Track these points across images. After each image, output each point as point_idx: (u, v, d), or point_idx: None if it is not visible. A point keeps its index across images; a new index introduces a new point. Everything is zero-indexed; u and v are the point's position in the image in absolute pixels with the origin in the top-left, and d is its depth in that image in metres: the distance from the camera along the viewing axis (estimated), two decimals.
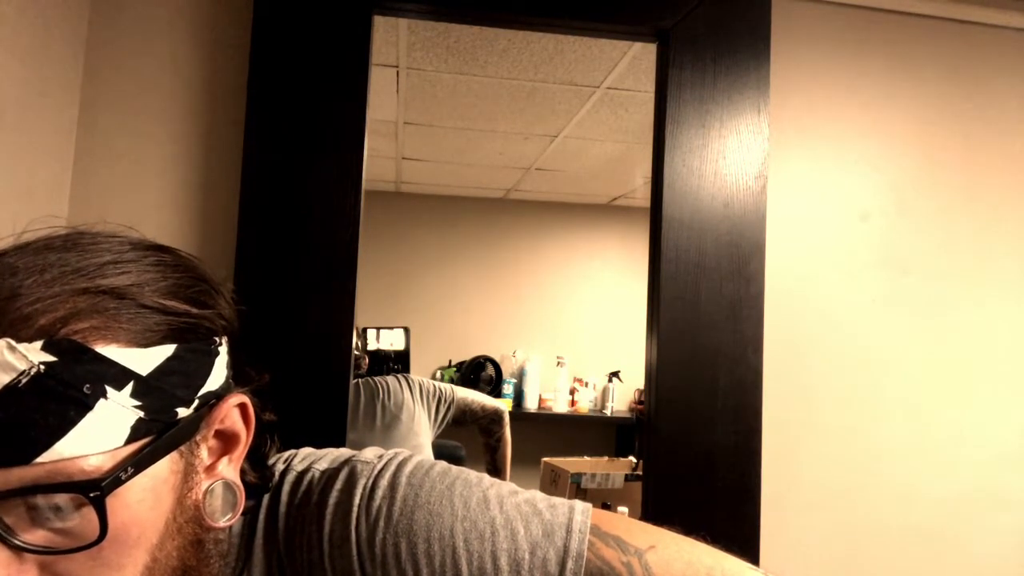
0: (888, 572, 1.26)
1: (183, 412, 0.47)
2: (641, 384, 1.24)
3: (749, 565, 0.53)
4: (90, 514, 0.41)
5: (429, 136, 2.96)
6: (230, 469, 0.52)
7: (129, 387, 0.43)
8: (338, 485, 0.53)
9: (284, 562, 0.54)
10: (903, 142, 1.33)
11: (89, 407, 0.42)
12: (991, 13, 1.35)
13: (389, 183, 3.87)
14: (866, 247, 1.30)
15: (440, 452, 1.87)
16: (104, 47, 1.11)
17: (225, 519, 0.51)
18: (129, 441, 0.43)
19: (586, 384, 4.00)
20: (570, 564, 0.50)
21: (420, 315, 3.43)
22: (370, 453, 0.57)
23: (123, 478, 0.43)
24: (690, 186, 1.18)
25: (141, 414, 0.44)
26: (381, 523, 0.51)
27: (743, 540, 1.14)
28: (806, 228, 1.28)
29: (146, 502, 0.45)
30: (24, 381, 0.40)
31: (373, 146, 1.14)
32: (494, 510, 0.52)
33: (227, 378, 0.52)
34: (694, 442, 1.15)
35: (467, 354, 3.95)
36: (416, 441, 1.73)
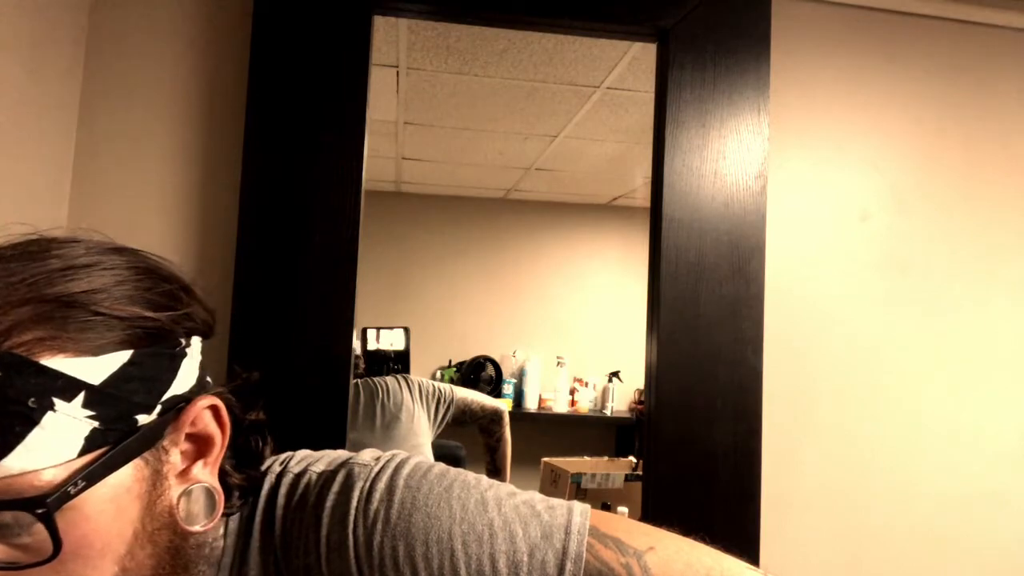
0: (888, 572, 1.26)
1: (144, 419, 0.46)
2: (641, 384, 1.24)
3: (748, 565, 0.53)
4: (43, 530, 0.40)
5: (429, 136, 2.96)
6: (206, 472, 0.51)
7: (80, 398, 0.42)
8: (335, 488, 0.53)
9: (281, 565, 0.54)
10: (903, 142, 1.33)
11: (35, 421, 0.40)
12: (991, 13, 1.35)
13: (389, 183, 3.87)
14: (866, 247, 1.30)
15: (440, 452, 1.88)
16: (104, 48, 1.11)
17: (202, 524, 0.50)
18: (84, 452, 0.42)
19: (586, 384, 4.00)
20: (569, 566, 0.50)
21: (420, 315, 3.44)
22: (367, 455, 0.56)
23: (72, 492, 0.41)
24: (690, 186, 1.18)
25: (96, 424, 0.43)
26: (379, 526, 0.50)
27: (743, 540, 1.14)
28: (806, 228, 1.28)
29: (107, 513, 0.44)
30: None
31: (373, 146, 1.14)
32: (492, 512, 0.51)
33: (198, 380, 0.51)
34: (694, 442, 1.15)
35: (467, 354, 3.95)
36: (416, 441, 1.73)
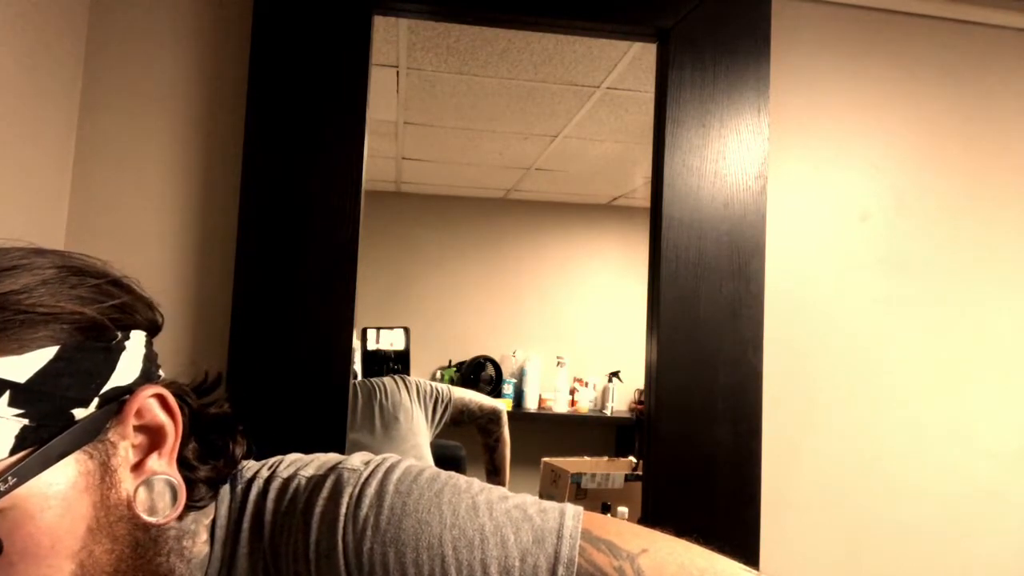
0: (889, 572, 1.26)
1: (81, 412, 0.45)
2: (641, 384, 1.24)
3: (743, 566, 0.53)
4: None
5: (429, 136, 2.96)
6: (163, 464, 0.51)
7: (6, 397, 0.42)
8: (324, 493, 0.52)
9: (271, 570, 0.53)
10: (903, 142, 1.33)
11: None
12: (991, 13, 1.35)
13: (389, 183, 3.87)
14: (866, 247, 1.30)
15: (440, 452, 1.88)
16: (103, 49, 1.11)
17: (164, 516, 0.50)
18: (15, 450, 0.42)
19: (586, 384, 4.00)
20: (561, 571, 0.49)
21: (420, 315, 3.44)
22: (357, 459, 0.55)
23: (3, 489, 0.41)
24: (690, 186, 1.18)
25: (26, 421, 0.42)
26: (368, 532, 0.50)
27: (743, 540, 1.14)
28: (806, 228, 1.28)
29: (53, 509, 0.43)
30: None
31: (373, 146, 1.14)
32: (483, 517, 0.51)
33: (142, 373, 0.51)
34: (694, 442, 1.15)
35: (467, 354, 3.95)
36: (414, 441, 1.73)
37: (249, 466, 0.59)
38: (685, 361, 1.16)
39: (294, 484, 0.55)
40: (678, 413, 1.15)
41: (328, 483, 0.53)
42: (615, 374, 3.98)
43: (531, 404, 3.30)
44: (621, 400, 4.03)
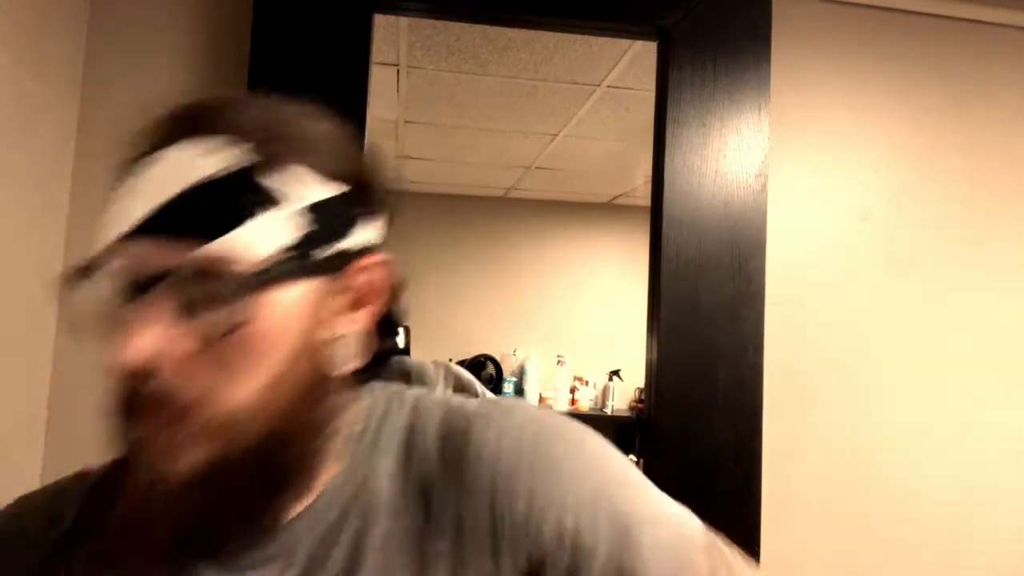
0: (889, 570, 1.27)
1: (331, 250, 0.50)
2: (641, 383, 1.24)
3: None
4: (232, 307, 0.46)
5: (429, 135, 2.96)
6: (360, 323, 0.54)
7: (299, 208, 0.48)
8: (489, 443, 0.53)
9: (407, 473, 0.54)
10: (904, 140, 1.33)
11: (253, 214, 0.46)
12: (992, 12, 1.35)
13: None
14: (866, 245, 1.30)
15: None
16: (104, 47, 1.11)
17: (344, 368, 0.53)
18: (282, 254, 0.47)
19: (586, 383, 4.01)
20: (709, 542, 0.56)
21: (420, 314, 3.44)
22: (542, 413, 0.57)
23: (265, 280, 0.46)
24: (691, 185, 1.18)
25: (299, 235, 0.48)
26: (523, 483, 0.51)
27: (743, 538, 1.14)
28: (806, 227, 1.28)
29: (280, 318, 0.48)
30: (219, 178, 0.46)
31: (373, 145, 1.14)
32: (641, 495, 0.55)
33: (377, 238, 0.55)
34: (694, 441, 1.15)
35: (467, 353, 3.95)
36: None
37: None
38: (685, 360, 1.16)
39: (459, 418, 0.55)
40: (678, 412, 1.15)
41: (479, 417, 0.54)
42: (615, 373, 3.98)
43: (532, 403, 3.29)
44: (621, 399, 4.03)
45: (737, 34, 1.21)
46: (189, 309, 0.45)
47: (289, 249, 0.48)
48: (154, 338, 0.45)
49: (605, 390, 3.99)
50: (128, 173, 0.50)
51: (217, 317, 0.46)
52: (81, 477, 0.58)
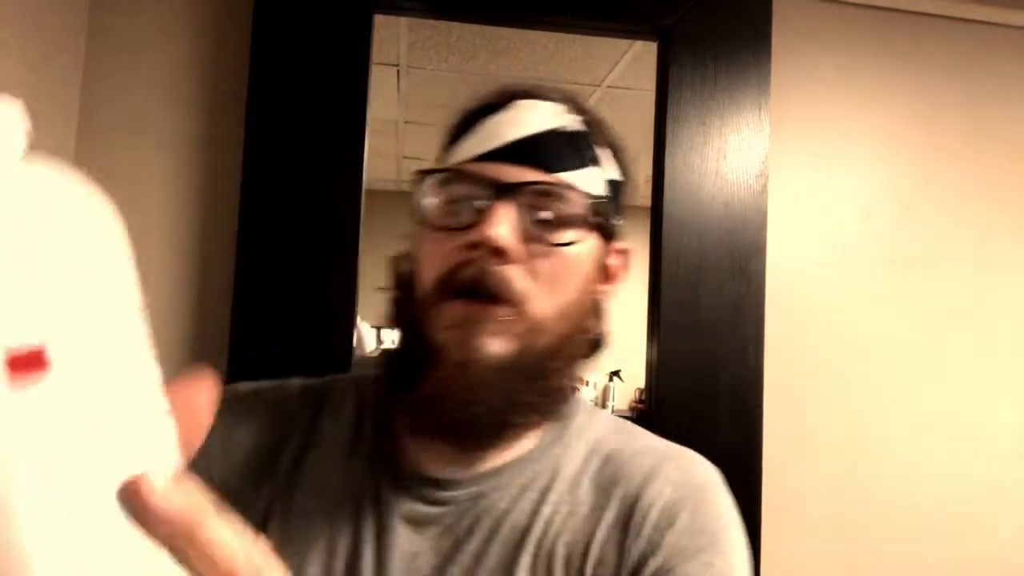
0: (891, 569, 1.26)
1: (614, 221, 0.61)
2: (642, 383, 1.24)
3: None
4: (568, 226, 0.56)
5: (429, 135, 2.96)
6: (606, 296, 0.64)
7: (607, 177, 0.61)
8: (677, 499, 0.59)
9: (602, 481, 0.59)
10: (905, 140, 1.33)
11: (595, 166, 0.59)
12: (993, 11, 1.35)
13: (389, 182, 3.86)
14: (868, 246, 1.30)
15: None
16: (104, 46, 1.11)
17: (596, 327, 0.63)
18: (601, 202, 0.59)
19: (586, 383, 4.00)
20: None
21: None
22: (712, 474, 0.65)
23: (595, 213, 0.58)
24: (691, 185, 1.18)
25: (604, 197, 0.60)
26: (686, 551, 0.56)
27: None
28: (807, 227, 1.28)
29: (584, 254, 0.58)
30: (567, 130, 0.59)
31: (373, 145, 1.14)
32: None
33: (621, 227, 0.64)
34: (694, 441, 1.14)
35: None
36: None
37: None
38: (685, 360, 1.16)
39: (639, 447, 0.63)
40: (678, 412, 1.15)
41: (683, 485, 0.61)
42: (616, 373, 3.97)
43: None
44: (622, 399, 4.02)
45: (737, 33, 1.20)
46: (534, 219, 0.55)
47: (604, 201, 0.59)
48: (509, 229, 0.54)
49: (605, 390, 3.99)
50: (486, 114, 0.59)
51: (554, 231, 0.56)
52: (332, 380, 0.68)
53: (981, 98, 1.36)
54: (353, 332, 1.08)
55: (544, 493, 0.57)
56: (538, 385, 0.57)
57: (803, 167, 1.29)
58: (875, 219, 1.31)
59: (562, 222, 0.56)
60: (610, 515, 0.56)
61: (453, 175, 0.58)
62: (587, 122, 0.61)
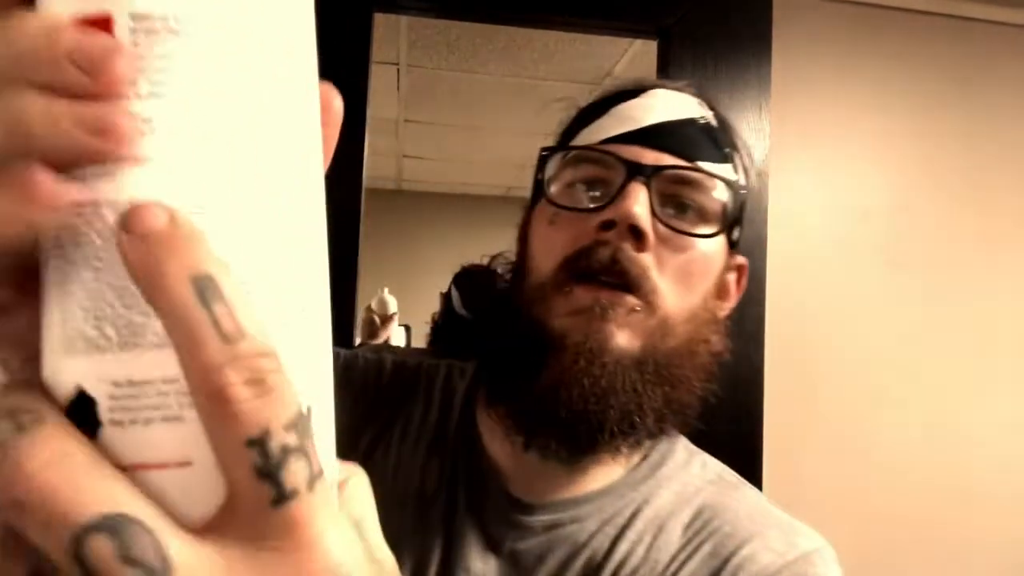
0: (892, 568, 1.27)
1: (738, 228, 0.57)
2: None
3: None
4: (707, 220, 0.52)
5: (430, 133, 2.96)
6: (722, 312, 0.57)
7: (736, 179, 0.56)
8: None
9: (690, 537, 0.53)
10: (904, 140, 1.33)
11: (729, 163, 0.55)
12: (992, 10, 1.35)
13: (389, 181, 3.87)
14: (868, 244, 1.30)
15: None
16: None
17: (715, 344, 0.57)
18: (734, 203, 0.54)
19: None
20: None
21: (421, 313, 3.42)
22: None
23: (731, 212, 0.53)
24: None
25: (743, 189, 0.56)
26: None
27: None
28: (807, 225, 1.28)
29: (714, 256, 0.53)
30: (705, 122, 0.55)
31: (373, 144, 1.14)
32: None
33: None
34: (695, 440, 1.15)
35: None
36: None
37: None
38: None
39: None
40: None
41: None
42: None
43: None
44: None
45: (738, 33, 1.20)
46: (669, 207, 0.51)
47: (744, 197, 0.55)
48: (645, 211, 0.49)
49: None
50: (621, 99, 0.55)
51: (691, 222, 0.51)
52: (435, 364, 0.63)
53: (980, 97, 1.36)
54: (354, 330, 1.08)
55: (623, 530, 0.53)
56: (665, 392, 0.52)
57: (803, 167, 1.29)
58: (874, 217, 1.31)
59: (700, 214, 0.52)
60: (691, 568, 0.50)
61: (584, 154, 0.53)
62: (720, 119, 0.57)
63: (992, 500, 1.31)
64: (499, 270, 0.61)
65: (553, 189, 0.54)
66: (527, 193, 0.62)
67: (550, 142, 0.59)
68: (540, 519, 0.52)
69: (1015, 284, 1.35)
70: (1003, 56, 1.37)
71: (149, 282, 0.16)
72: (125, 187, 0.17)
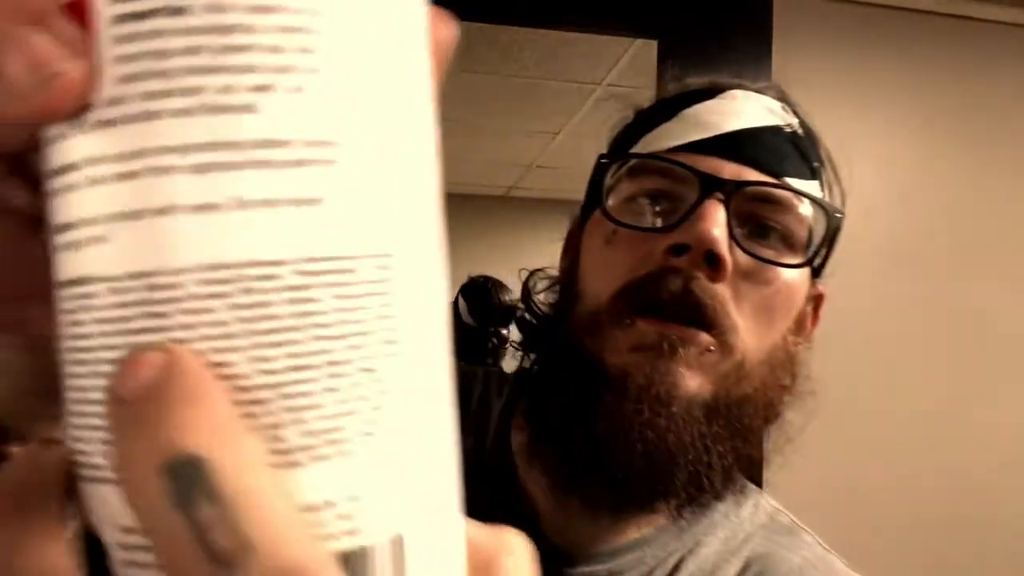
0: (893, 569, 1.27)
1: (823, 253, 0.50)
2: None
3: None
4: (794, 247, 0.46)
5: None
6: (800, 348, 0.52)
7: (821, 197, 0.50)
8: None
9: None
10: (905, 140, 1.33)
11: (816, 180, 0.50)
12: (992, 9, 1.35)
13: None
14: (869, 244, 1.30)
15: None
16: None
17: (796, 383, 0.53)
18: (827, 223, 0.48)
19: None
20: None
21: None
22: None
23: (823, 241, 0.47)
24: None
25: (838, 213, 0.51)
26: None
27: None
28: None
29: (797, 288, 0.47)
30: (790, 131, 0.49)
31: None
32: None
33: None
34: None
35: None
36: None
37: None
38: None
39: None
40: None
41: None
42: None
43: None
44: None
45: (738, 32, 1.21)
46: (750, 230, 0.44)
47: (839, 221, 0.49)
48: (723, 234, 0.42)
49: None
50: (694, 101, 0.51)
51: (776, 249, 0.45)
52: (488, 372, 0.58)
53: (982, 97, 1.36)
54: None
55: None
56: (736, 447, 0.47)
57: None
58: (876, 217, 1.31)
59: (784, 239, 0.45)
60: None
61: (651, 163, 0.46)
62: (806, 128, 0.50)
63: (996, 499, 1.31)
64: (537, 289, 0.55)
65: (611, 202, 0.46)
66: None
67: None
68: (579, 571, 0.47)
69: (1015, 284, 1.35)
70: (1003, 56, 1.37)
71: (114, 469, 0.12)
72: None
